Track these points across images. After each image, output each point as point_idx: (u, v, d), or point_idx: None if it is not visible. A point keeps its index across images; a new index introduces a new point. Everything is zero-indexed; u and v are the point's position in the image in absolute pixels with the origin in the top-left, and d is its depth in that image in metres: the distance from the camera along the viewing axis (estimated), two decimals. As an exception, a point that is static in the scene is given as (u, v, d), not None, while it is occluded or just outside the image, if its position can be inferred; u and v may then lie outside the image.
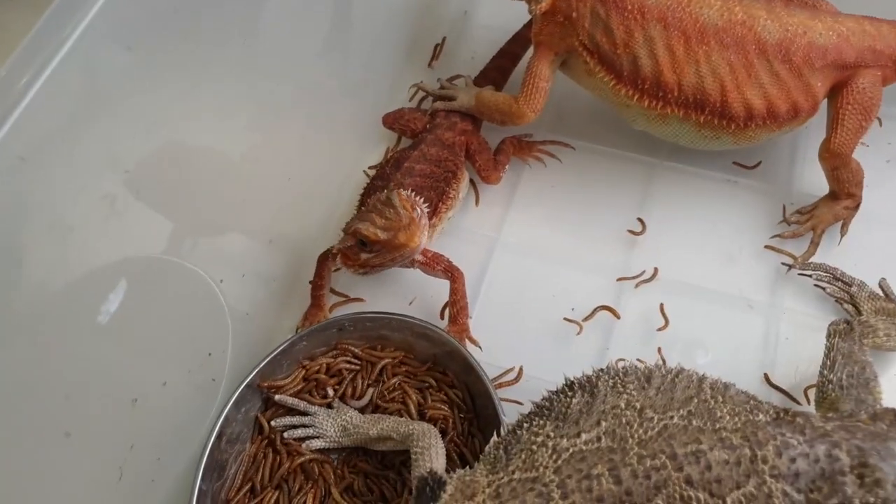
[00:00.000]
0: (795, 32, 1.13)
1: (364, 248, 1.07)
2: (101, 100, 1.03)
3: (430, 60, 1.52)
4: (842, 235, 1.23)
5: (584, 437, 0.82)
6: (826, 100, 1.19)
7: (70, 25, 0.94)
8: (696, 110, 1.15)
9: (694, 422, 0.81)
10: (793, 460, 0.77)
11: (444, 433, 1.04)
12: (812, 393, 1.07)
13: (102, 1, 0.95)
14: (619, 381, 0.87)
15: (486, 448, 0.88)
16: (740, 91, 1.13)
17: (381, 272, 1.15)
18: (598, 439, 0.81)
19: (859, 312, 1.12)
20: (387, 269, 1.12)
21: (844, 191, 1.20)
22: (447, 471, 0.91)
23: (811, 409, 1.04)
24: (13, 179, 0.92)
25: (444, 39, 1.53)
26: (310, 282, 1.22)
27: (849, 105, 1.16)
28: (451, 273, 1.16)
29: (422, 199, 1.10)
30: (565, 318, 1.19)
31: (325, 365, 1.12)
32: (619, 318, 1.19)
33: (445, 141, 1.29)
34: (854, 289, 1.15)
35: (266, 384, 1.09)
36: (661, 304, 1.19)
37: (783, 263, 1.22)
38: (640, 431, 0.81)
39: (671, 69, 1.13)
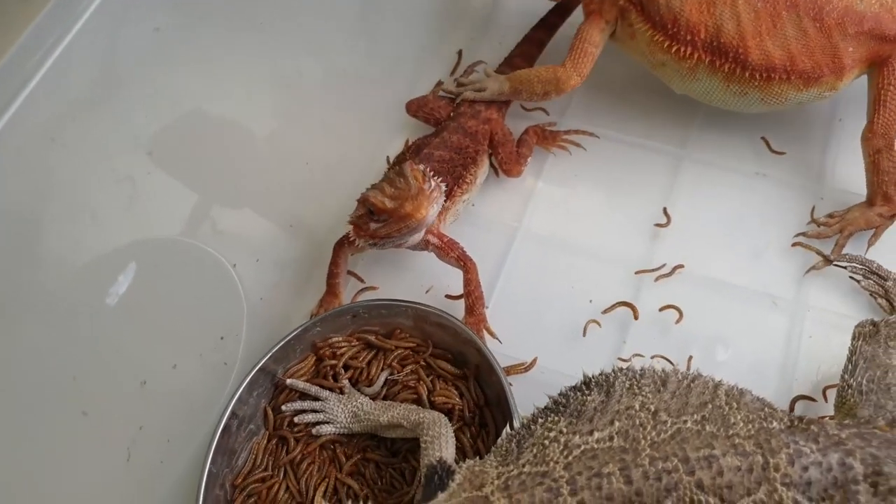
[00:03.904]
0: None
1: (373, 217, 1.05)
2: (126, 81, 1.03)
3: (452, 69, 1.48)
4: (869, 245, 1.18)
5: (596, 435, 0.81)
6: (867, 79, 1.16)
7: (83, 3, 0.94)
8: (720, 56, 1.15)
9: (707, 427, 0.79)
10: (805, 469, 0.76)
11: (451, 419, 1.03)
12: (831, 393, 1.05)
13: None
14: (635, 382, 0.85)
15: (499, 440, 0.87)
16: (761, 39, 1.12)
17: (396, 247, 1.13)
18: (611, 438, 0.80)
19: (893, 308, 1.09)
20: (397, 242, 1.10)
21: (881, 189, 1.16)
22: (456, 460, 0.91)
23: (829, 407, 1.02)
24: (36, 158, 0.93)
25: (460, 52, 1.49)
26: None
27: (891, 85, 1.13)
28: (464, 263, 1.14)
29: (438, 178, 1.08)
30: (590, 321, 1.17)
31: (337, 351, 1.11)
32: (637, 318, 1.16)
33: (468, 129, 1.27)
34: (890, 283, 1.11)
35: (280, 376, 1.08)
36: (667, 304, 1.17)
37: (820, 254, 1.18)
38: (654, 434, 0.79)
39: (697, 10, 1.13)
